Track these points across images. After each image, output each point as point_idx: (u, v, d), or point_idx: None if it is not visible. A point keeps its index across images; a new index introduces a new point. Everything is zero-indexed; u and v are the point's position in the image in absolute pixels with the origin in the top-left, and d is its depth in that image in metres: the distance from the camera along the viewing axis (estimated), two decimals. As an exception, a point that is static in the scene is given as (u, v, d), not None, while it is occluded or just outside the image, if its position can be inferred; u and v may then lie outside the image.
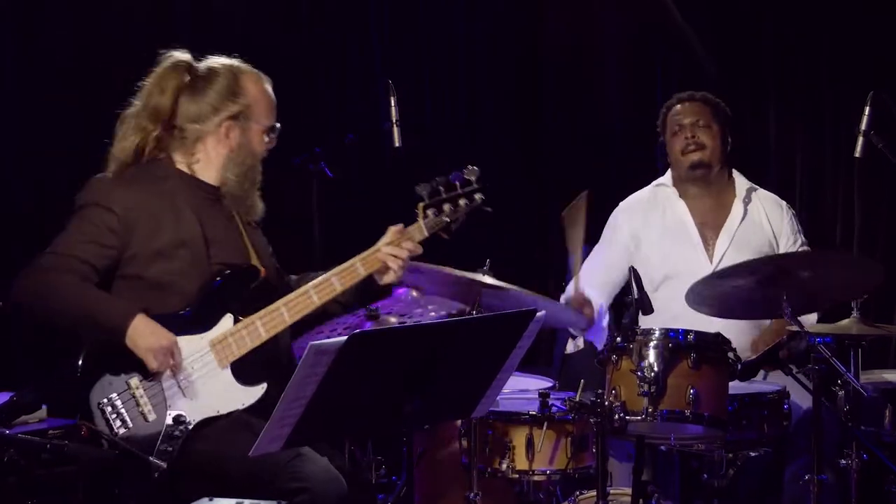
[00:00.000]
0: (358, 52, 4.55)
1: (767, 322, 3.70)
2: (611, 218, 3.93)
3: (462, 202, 2.91)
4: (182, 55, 2.89)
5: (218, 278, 2.80)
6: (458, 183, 2.91)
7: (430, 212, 2.90)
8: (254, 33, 4.17)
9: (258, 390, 2.77)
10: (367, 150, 3.84)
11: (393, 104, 3.37)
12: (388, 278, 2.90)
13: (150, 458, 2.57)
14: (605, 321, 3.78)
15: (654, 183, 3.94)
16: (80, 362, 2.68)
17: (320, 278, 2.84)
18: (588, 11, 4.80)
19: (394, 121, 3.37)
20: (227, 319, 2.79)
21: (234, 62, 2.91)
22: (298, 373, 2.23)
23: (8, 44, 3.80)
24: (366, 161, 4.14)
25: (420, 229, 2.90)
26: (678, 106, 3.86)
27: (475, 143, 4.72)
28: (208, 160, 2.87)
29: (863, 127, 3.35)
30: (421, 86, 4.66)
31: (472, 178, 2.92)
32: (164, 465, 2.59)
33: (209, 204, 2.86)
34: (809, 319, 3.70)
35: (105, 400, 2.68)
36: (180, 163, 2.87)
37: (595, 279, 3.79)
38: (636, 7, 4.67)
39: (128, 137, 2.83)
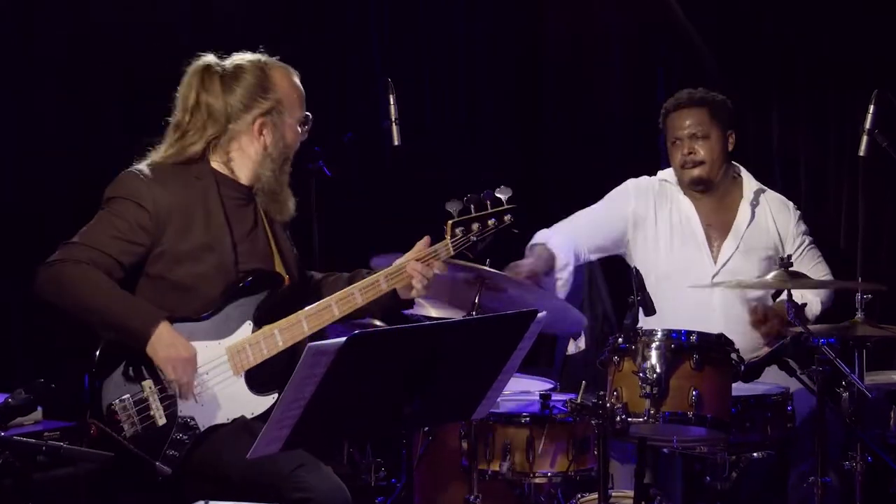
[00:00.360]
0: (358, 51, 4.53)
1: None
2: (621, 186, 3.85)
3: (491, 222, 2.88)
4: (207, 57, 2.86)
5: (240, 284, 2.77)
6: (488, 201, 2.88)
7: (458, 230, 2.87)
8: (254, 33, 4.15)
9: (269, 400, 2.75)
10: (367, 148, 3.82)
11: (392, 102, 3.35)
12: (412, 294, 2.88)
13: (157, 463, 2.56)
14: (566, 274, 3.69)
15: (659, 177, 3.89)
16: (96, 355, 2.65)
17: (343, 291, 2.80)
18: (588, 11, 4.78)
19: (393, 119, 3.35)
20: (247, 327, 2.76)
21: (260, 57, 2.88)
22: (297, 374, 2.21)
23: (7, 44, 3.78)
24: (365, 160, 4.13)
25: (447, 247, 2.87)
26: (675, 113, 3.79)
27: (475, 143, 4.71)
28: (243, 158, 2.85)
29: (867, 126, 3.33)
30: (421, 86, 4.64)
31: (503, 198, 2.88)
32: (169, 470, 2.57)
33: (240, 206, 2.84)
34: (813, 309, 3.68)
35: (117, 401, 2.65)
36: (216, 162, 2.85)
37: (580, 232, 3.72)
38: (637, 7, 4.65)
39: (194, 145, 2.80)
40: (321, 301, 2.80)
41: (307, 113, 2.91)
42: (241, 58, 2.87)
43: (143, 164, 2.81)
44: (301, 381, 2.22)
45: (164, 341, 2.65)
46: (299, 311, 2.78)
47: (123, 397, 2.65)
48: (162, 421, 2.66)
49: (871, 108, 3.34)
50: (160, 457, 2.62)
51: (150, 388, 2.67)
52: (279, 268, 2.88)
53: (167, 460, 2.61)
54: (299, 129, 2.90)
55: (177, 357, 2.65)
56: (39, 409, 2.93)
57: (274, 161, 2.85)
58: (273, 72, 2.86)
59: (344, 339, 2.19)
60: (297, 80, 2.90)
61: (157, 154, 2.83)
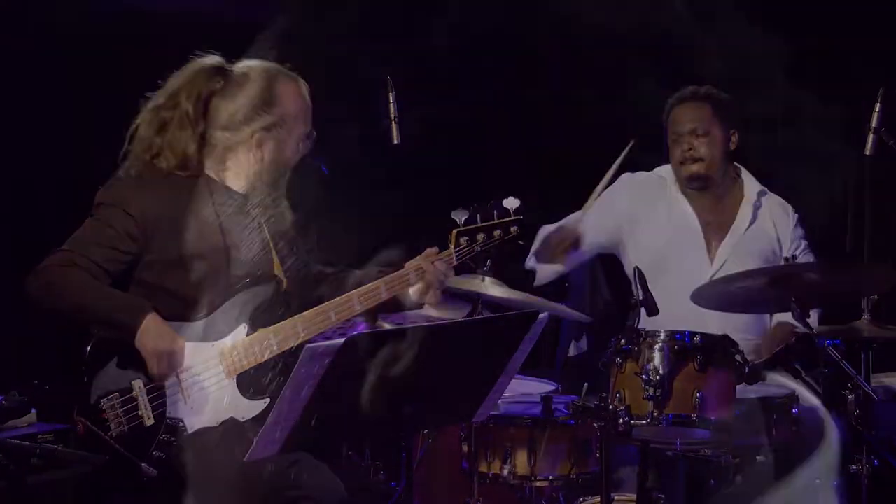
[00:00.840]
0: (358, 51, 4.51)
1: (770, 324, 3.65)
2: (617, 183, 3.82)
3: (497, 233, 2.83)
4: (212, 58, 2.79)
5: (237, 286, 2.74)
6: (495, 212, 2.84)
7: (462, 239, 2.83)
8: (254, 34, 4.12)
9: (260, 405, 2.72)
10: (366, 147, 3.80)
11: (391, 101, 3.32)
12: (424, 299, 2.84)
13: (142, 465, 2.53)
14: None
15: (657, 173, 3.86)
16: (87, 349, 2.63)
17: (342, 297, 2.76)
18: (588, 10, 4.76)
19: (392, 118, 3.33)
20: (241, 330, 2.73)
21: (270, 65, 2.80)
22: (295, 376, 2.19)
23: (7, 43, 3.77)
24: (364, 158, 4.11)
25: (450, 257, 2.83)
26: (678, 108, 3.76)
27: (475, 143, 4.69)
28: (239, 168, 2.80)
29: (873, 124, 3.31)
30: (421, 86, 4.61)
31: (511, 209, 2.84)
32: (154, 472, 2.55)
33: (236, 213, 2.80)
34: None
35: (105, 399, 2.62)
36: (209, 169, 2.79)
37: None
38: (637, 6, 4.63)
39: (181, 142, 2.73)
40: (318, 307, 2.76)
41: (312, 129, 2.85)
42: (248, 65, 2.80)
43: (134, 170, 2.76)
44: (299, 383, 2.20)
45: (151, 332, 2.61)
46: (296, 317, 2.74)
47: (112, 395, 2.62)
48: (150, 421, 2.64)
49: (878, 105, 3.31)
50: (146, 457, 2.59)
51: (140, 387, 2.65)
52: (278, 271, 2.85)
53: (153, 461, 2.59)
54: (300, 145, 2.84)
55: (164, 349, 2.61)
56: (34, 411, 2.92)
57: (269, 174, 2.81)
58: (279, 84, 2.78)
59: (342, 340, 2.17)
60: (305, 92, 2.83)
61: (135, 154, 2.76)
